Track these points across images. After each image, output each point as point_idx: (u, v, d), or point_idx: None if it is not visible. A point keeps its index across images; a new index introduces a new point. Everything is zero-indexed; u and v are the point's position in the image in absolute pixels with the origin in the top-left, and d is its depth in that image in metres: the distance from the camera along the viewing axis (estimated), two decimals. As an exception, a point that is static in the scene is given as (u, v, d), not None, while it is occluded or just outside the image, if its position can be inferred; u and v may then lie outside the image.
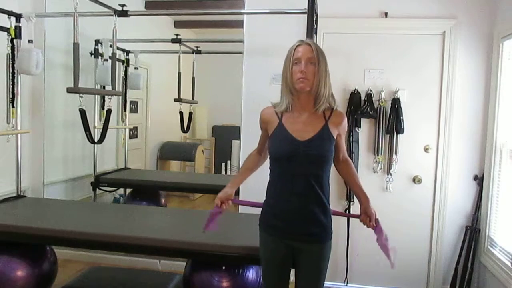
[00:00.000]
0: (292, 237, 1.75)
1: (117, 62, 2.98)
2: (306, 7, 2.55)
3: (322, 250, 1.76)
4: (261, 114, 1.87)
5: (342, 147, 1.90)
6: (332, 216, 1.83)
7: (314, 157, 1.71)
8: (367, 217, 1.81)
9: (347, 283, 3.26)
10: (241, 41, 3.22)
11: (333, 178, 1.91)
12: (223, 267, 2.27)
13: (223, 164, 4.13)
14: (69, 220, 2.62)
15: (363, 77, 3.17)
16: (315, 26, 2.66)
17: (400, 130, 3.08)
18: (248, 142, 3.17)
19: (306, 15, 2.56)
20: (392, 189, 3.16)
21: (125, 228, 2.44)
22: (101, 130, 2.96)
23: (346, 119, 1.85)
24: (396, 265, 1.83)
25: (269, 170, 1.84)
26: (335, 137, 1.77)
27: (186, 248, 2.22)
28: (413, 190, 3.17)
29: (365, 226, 1.82)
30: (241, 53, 3.22)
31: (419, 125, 3.12)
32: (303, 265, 1.78)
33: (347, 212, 3.19)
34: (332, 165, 1.87)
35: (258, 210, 1.88)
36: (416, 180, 3.15)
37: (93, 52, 3.73)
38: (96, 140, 2.98)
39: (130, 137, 4.15)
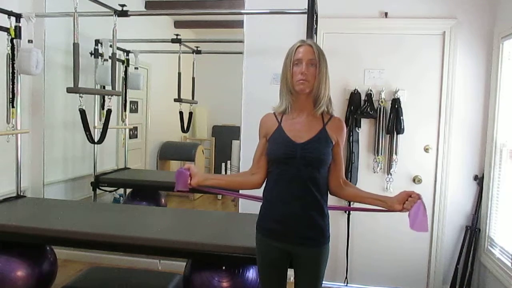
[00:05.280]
0: (289, 241, 1.74)
1: (117, 62, 2.98)
2: (306, 7, 2.55)
3: (319, 254, 1.74)
4: (261, 121, 1.85)
5: (340, 163, 1.78)
6: (331, 217, 1.83)
7: (311, 160, 1.69)
8: (406, 197, 1.66)
9: (347, 283, 3.26)
10: (241, 41, 3.22)
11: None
12: (223, 267, 2.27)
13: (223, 164, 4.13)
14: (69, 220, 2.62)
15: (363, 77, 3.17)
16: (315, 26, 2.66)
17: (400, 130, 3.08)
18: (248, 142, 3.17)
19: (306, 15, 2.57)
20: (392, 189, 3.16)
21: (125, 228, 2.44)
22: (101, 130, 2.96)
23: (345, 127, 1.80)
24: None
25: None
26: (333, 142, 1.75)
27: (186, 248, 2.23)
28: (413, 190, 3.16)
29: (406, 208, 1.65)
30: (241, 53, 3.22)
31: (419, 125, 3.12)
32: (301, 268, 1.77)
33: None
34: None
35: (258, 211, 1.88)
36: (416, 180, 3.15)
37: (93, 52, 3.73)
38: (96, 140, 2.98)
39: (130, 137, 4.15)
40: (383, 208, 1.72)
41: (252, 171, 1.84)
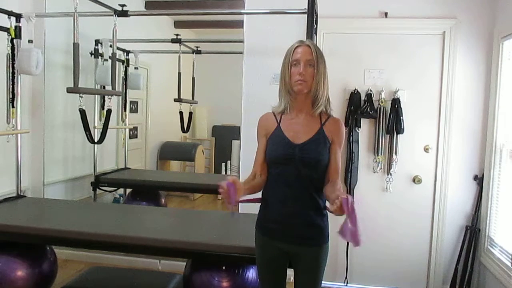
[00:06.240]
0: (288, 241, 1.74)
1: (117, 62, 2.98)
2: (306, 7, 2.56)
3: (319, 253, 1.74)
4: (260, 120, 1.84)
5: (334, 162, 1.73)
6: (331, 217, 1.82)
7: (310, 160, 1.69)
8: (336, 198, 1.44)
9: (347, 283, 3.26)
10: (241, 41, 3.22)
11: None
12: (223, 267, 2.27)
13: (223, 164, 4.12)
14: (69, 220, 2.62)
15: (363, 77, 3.17)
16: (315, 26, 2.66)
17: (400, 130, 3.08)
18: (248, 142, 3.17)
19: (306, 15, 2.57)
20: (392, 189, 3.16)
21: (125, 228, 2.44)
22: (101, 130, 2.96)
23: (343, 127, 1.78)
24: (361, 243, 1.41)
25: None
26: (330, 142, 1.74)
27: (186, 248, 2.23)
28: (413, 190, 3.17)
29: (335, 210, 1.43)
30: (241, 53, 3.22)
31: (419, 125, 3.12)
32: (301, 268, 1.77)
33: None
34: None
35: (258, 210, 1.88)
36: (416, 180, 3.15)
37: (93, 52, 3.73)
38: (96, 140, 2.98)
39: (130, 137, 4.15)
40: None
41: (259, 172, 1.80)
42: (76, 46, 2.60)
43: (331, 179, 1.75)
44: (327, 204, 1.59)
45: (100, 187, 3.78)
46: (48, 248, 2.71)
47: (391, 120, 3.09)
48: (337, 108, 3.16)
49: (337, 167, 1.76)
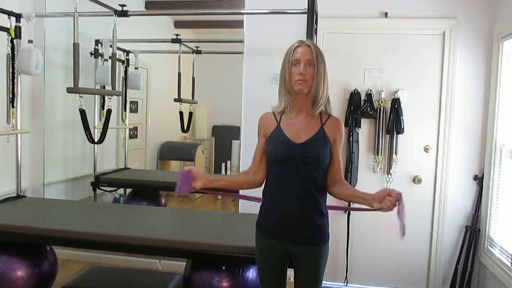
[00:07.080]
0: (288, 240, 1.74)
1: (117, 62, 2.98)
2: (306, 7, 2.55)
3: (319, 253, 1.74)
4: (260, 119, 1.84)
5: (337, 162, 1.77)
6: (331, 217, 1.83)
7: (310, 160, 1.69)
8: (385, 195, 1.57)
9: (347, 283, 3.26)
10: (241, 41, 3.22)
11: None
12: (223, 267, 2.27)
13: (223, 164, 4.13)
14: (69, 220, 2.62)
15: (363, 77, 3.17)
16: (315, 26, 2.66)
17: (400, 130, 3.08)
18: (248, 142, 3.17)
19: (306, 15, 2.57)
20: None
21: (125, 228, 2.44)
22: (101, 130, 2.96)
23: (343, 126, 1.79)
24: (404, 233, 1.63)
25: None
26: (331, 141, 1.75)
27: (186, 248, 2.23)
28: (413, 190, 3.17)
29: (388, 207, 1.57)
30: (241, 53, 3.22)
31: (419, 125, 3.12)
32: (301, 268, 1.77)
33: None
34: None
35: (258, 210, 1.87)
36: (416, 180, 3.15)
37: (93, 52, 3.73)
38: (96, 140, 2.98)
39: (130, 137, 4.15)
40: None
41: (254, 170, 1.83)
42: (76, 46, 2.60)
43: (337, 179, 1.77)
44: (375, 204, 1.60)
45: (100, 187, 3.78)
46: (48, 248, 2.71)
47: (391, 120, 3.09)
48: (337, 108, 3.16)
49: (340, 167, 1.79)
